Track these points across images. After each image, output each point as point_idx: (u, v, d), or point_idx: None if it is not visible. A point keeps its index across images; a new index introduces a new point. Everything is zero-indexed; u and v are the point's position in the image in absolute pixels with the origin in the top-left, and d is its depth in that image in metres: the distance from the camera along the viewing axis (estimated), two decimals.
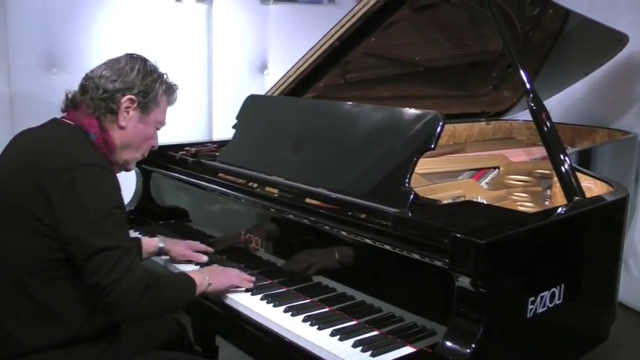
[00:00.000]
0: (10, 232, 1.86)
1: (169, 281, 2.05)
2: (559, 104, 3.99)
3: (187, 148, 2.85)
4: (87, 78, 2.01)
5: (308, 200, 2.20)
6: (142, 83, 2.00)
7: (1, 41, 3.12)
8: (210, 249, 2.47)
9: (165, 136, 3.48)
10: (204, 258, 2.41)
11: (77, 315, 1.89)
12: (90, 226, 1.80)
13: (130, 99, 1.99)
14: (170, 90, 2.11)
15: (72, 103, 2.02)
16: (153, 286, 1.88)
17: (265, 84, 3.84)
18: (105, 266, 1.80)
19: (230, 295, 2.12)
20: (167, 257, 2.45)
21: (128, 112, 2.00)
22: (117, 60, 2.04)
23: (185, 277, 2.06)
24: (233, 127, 2.74)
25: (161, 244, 2.43)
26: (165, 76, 2.09)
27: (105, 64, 2.03)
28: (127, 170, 2.15)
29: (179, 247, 2.45)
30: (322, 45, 2.71)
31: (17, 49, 3.17)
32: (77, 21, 3.33)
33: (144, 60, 2.07)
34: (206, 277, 2.08)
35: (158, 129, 2.13)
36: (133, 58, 2.05)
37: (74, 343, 1.89)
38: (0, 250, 1.88)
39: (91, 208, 1.81)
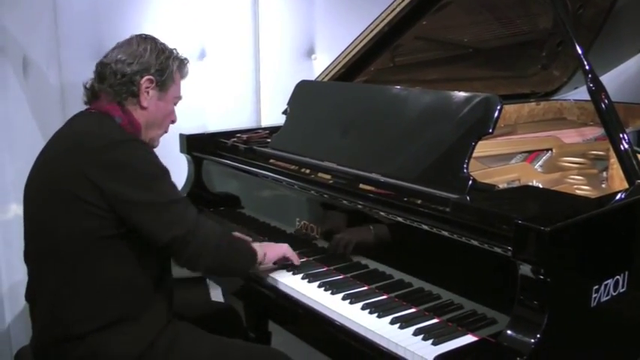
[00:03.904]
0: (61, 217, 1.91)
1: (237, 240, 2.19)
2: (611, 82, 3.84)
3: (239, 135, 2.85)
4: (103, 65, 2.04)
5: (362, 186, 2.19)
6: (157, 62, 2.05)
7: (51, 33, 3.15)
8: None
9: (215, 123, 3.54)
10: None
11: (131, 293, 1.94)
12: (145, 192, 1.89)
13: (148, 79, 2.04)
14: (182, 64, 2.16)
15: (92, 94, 2.07)
16: (225, 237, 2.04)
17: (313, 69, 3.81)
18: (175, 219, 1.91)
19: (286, 282, 2.13)
20: None
21: (148, 92, 2.05)
22: (128, 43, 2.07)
23: (247, 242, 2.19)
24: (283, 113, 2.74)
25: None
26: (175, 52, 2.14)
27: (117, 48, 2.07)
28: (153, 147, 2.17)
29: None
30: (372, 30, 2.69)
31: (67, 40, 3.19)
32: (126, 12, 3.34)
33: (153, 39, 2.11)
34: (262, 247, 2.17)
35: (176, 104, 2.18)
36: (143, 39, 2.09)
37: (129, 325, 1.93)
38: (49, 237, 1.93)
39: (139, 178, 1.90)
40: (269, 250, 2.18)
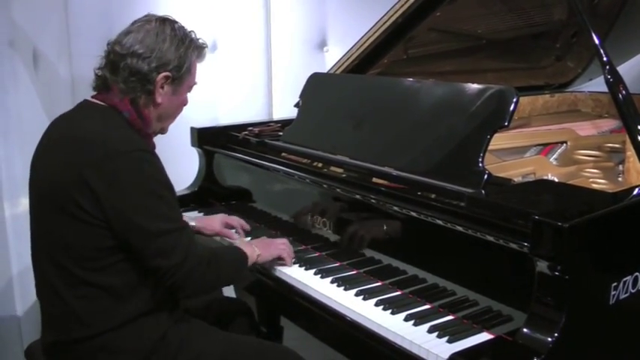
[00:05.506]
0: (59, 223, 1.85)
1: (224, 255, 2.09)
2: (626, 74, 3.82)
3: (250, 128, 2.83)
4: (116, 54, 1.91)
5: (375, 180, 2.16)
6: (176, 56, 1.93)
7: (62, 27, 3.14)
8: (246, 225, 2.49)
9: (226, 116, 3.52)
10: (235, 237, 2.43)
11: (141, 294, 1.89)
12: (142, 213, 1.80)
13: (165, 76, 1.92)
14: (201, 52, 2.04)
15: (103, 84, 1.96)
16: (212, 262, 1.93)
17: (325, 61, 3.79)
18: (164, 250, 1.82)
19: (298, 277, 2.11)
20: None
21: (163, 88, 1.94)
22: (146, 30, 1.92)
23: (237, 250, 2.10)
24: (295, 106, 2.71)
25: (192, 223, 2.38)
26: (194, 37, 2.01)
27: (133, 33, 1.91)
28: (163, 133, 2.10)
29: (213, 224, 2.45)
30: (385, 21, 2.67)
31: (78, 33, 3.18)
32: (137, 4, 3.31)
33: (172, 24, 1.97)
34: (255, 248, 2.12)
35: (190, 91, 2.07)
36: (162, 24, 1.94)
37: (140, 322, 1.90)
38: (53, 241, 1.88)
39: (139, 195, 1.80)
40: (264, 250, 2.14)
